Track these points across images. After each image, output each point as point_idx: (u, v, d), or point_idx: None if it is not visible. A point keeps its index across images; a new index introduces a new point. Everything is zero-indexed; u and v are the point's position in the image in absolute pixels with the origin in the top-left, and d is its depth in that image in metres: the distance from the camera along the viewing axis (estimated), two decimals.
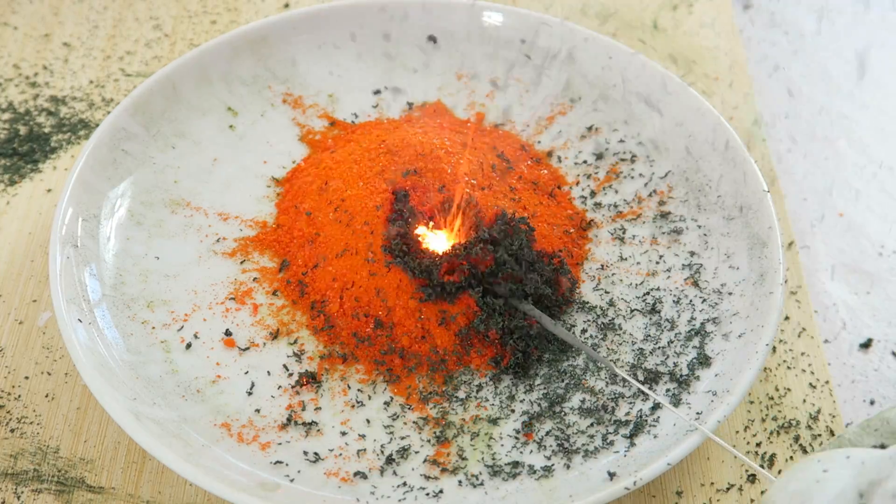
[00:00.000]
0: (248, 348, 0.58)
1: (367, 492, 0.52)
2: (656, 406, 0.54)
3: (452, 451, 0.54)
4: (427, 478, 0.53)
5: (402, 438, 0.55)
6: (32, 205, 0.67)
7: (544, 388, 0.56)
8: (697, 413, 0.53)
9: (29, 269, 0.64)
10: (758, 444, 0.57)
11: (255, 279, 0.61)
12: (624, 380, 0.56)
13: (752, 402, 0.59)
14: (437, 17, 0.72)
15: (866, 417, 0.46)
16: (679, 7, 0.84)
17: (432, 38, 0.67)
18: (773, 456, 0.57)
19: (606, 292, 0.61)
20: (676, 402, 0.54)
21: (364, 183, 0.61)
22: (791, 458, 0.57)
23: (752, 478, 0.56)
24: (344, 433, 0.55)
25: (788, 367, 0.61)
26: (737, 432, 0.58)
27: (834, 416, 0.59)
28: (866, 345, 0.65)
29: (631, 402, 0.55)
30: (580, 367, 0.57)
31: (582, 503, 0.49)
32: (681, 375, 0.56)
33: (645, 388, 0.53)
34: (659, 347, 0.58)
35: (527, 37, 0.71)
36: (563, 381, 0.57)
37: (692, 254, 0.62)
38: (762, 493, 0.55)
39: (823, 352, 0.62)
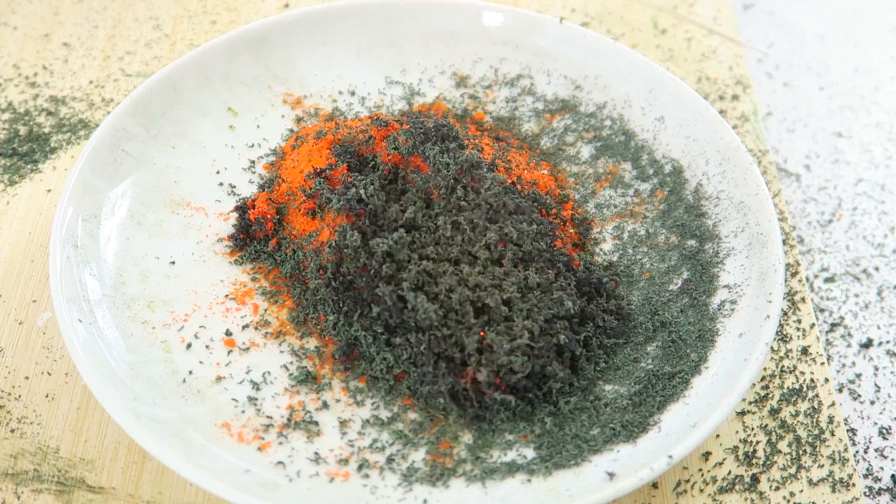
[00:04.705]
0: (248, 348, 0.58)
1: (367, 492, 0.52)
2: (656, 406, 0.54)
3: (452, 451, 0.54)
4: (427, 477, 0.53)
5: (402, 438, 0.55)
6: (32, 205, 0.67)
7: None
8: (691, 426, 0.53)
9: (29, 269, 0.64)
10: (756, 444, 0.57)
11: (254, 279, 0.61)
12: (622, 380, 0.56)
13: (751, 402, 0.59)
14: (437, 17, 0.72)
15: None
16: (679, 7, 0.84)
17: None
18: (774, 455, 0.57)
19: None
20: (676, 401, 0.54)
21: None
22: (790, 456, 0.57)
23: (753, 478, 0.56)
24: (344, 433, 0.55)
25: (788, 367, 0.61)
26: (736, 432, 0.58)
27: (833, 417, 0.59)
28: (866, 345, 0.65)
29: (630, 402, 0.55)
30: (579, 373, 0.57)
31: (582, 503, 0.49)
32: (680, 375, 0.56)
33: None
34: (659, 347, 0.58)
35: (527, 37, 0.72)
36: (562, 381, 0.57)
37: (692, 254, 0.62)
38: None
39: (823, 352, 0.62)
